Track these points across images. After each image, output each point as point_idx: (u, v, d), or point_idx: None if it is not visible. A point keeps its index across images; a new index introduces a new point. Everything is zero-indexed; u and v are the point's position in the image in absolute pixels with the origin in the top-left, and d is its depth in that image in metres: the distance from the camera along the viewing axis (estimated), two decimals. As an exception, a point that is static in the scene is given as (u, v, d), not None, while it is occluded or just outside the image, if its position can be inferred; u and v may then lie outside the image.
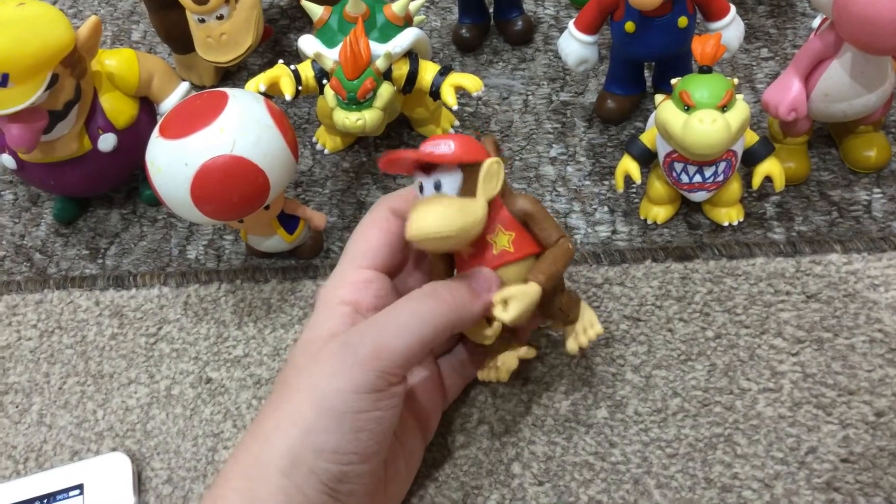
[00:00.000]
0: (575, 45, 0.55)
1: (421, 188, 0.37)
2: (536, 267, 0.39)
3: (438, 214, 0.35)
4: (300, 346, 0.39)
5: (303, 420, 0.36)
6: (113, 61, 0.54)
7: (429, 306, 0.37)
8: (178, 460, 0.48)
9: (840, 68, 0.48)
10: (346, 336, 0.37)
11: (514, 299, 0.38)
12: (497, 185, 0.38)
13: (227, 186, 0.44)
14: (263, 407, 0.39)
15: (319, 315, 0.40)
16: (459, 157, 0.36)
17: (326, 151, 0.61)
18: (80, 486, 0.46)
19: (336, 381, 0.36)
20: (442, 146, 0.36)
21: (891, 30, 0.41)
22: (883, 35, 0.42)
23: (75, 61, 0.51)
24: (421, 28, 0.55)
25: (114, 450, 0.49)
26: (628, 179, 0.52)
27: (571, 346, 0.42)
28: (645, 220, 0.54)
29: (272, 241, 0.53)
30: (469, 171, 0.37)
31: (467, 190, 0.37)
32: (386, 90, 0.51)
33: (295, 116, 0.63)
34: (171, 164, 0.44)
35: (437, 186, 0.37)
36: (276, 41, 0.69)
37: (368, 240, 0.41)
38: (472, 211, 0.36)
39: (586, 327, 0.42)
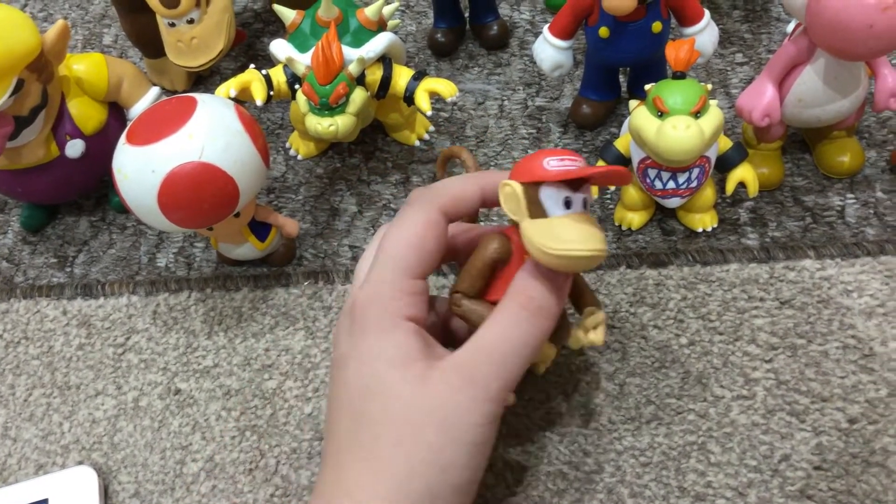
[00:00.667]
0: (550, 50, 0.55)
1: (567, 203, 0.35)
2: (590, 297, 0.40)
3: (599, 235, 0.34)
4: (372, 369, 0.34)
5: (438, 457, 0.33)
6: (81, 66, 0.53)
7: (537, 323, 0.35)
8: (145, 473, 0.47)
9: (813, 74, 0.48)
10: (466, 369, 0.34)
11: (601, 325, 0.39)
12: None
13: (196, 194, 0.44)
14: (339, 438, 0.35)
15: (385, 331, 0.35)
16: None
17: (300, 157, 0.60)
18: (45, 501, 0.45)
19: (472, 417, 0.33)
20: (579, 162, 0.35)
21: (863, 35, 0.41)
22: (855, 41, 0.42)
23: (42, 66, 0.50)
24: (395, 32, 0.55)
25: (80, 463, 0.48)
26: (602, 185, 0.52)
27: (580, 335, 0.40)
28: (619, 225, 0.54)
29: (243, 248, 0.52)
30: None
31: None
32: (359, 95, 0.50)
33: (268, 121, 0.62)
34: (138, 171, 0.44)
35: (585, 203, 0.35)
36: (249, 45, 0.68)
37: (424, 245, 0.36)
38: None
39: (597, 328, 0.40)
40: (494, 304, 0.37)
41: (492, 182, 0.38)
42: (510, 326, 0.35)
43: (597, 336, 0.40)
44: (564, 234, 0.33)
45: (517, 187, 0.35)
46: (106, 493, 0.47)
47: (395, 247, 0.36)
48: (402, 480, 0.33)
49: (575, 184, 0.35)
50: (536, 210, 0.35)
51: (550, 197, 0.34)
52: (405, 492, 0.33)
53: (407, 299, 0.36)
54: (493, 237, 0.37)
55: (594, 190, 0.51)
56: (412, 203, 0.38)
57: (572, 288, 0.39)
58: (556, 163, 0.34)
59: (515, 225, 0.35)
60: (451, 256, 0.40)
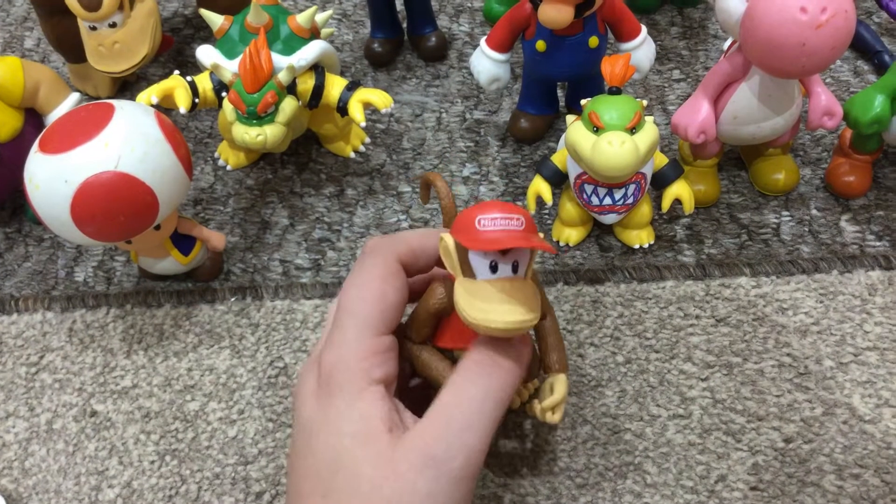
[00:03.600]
0: (486, 62, 0.54)
1: (494, 268, 0.33)
2: (556, 353, 0.38)
3: (525, 303, 0.32)
4: (339, 443, 0.32)
5: None
6: (-5, 70, 0.51)
7: (498, 383, 0.33)
8: (58, 500, 0.45)
9: (748, 91, 0.48)
10: (426, 444, 0.32)
11: (560, 405, 0.37)
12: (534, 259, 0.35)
13: (111, 205, 0.41)
14: None
15: (351, 399, 0.33)
16: (551, 248, 0.32)
17: (229, 167, 0.58)
18: (-55, 532, 0.42)
19: (437, 501, 0.32)
20: (514, 221, 0.33)
21: (795, 53, 0.41)
22: (788, 58, 0.42)
23: (-49, 68, 0.47)
24: (330, 41, 0.53)
25: (-13, 490, 0.45)
26: (540, 200, 0.51)
27: (536, 410, 0.38)
28: (557, 241, 0.53)
29: (165, 263, 0.50)
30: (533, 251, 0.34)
31: (528, 269, 0.34)
32: (289, 105, 0.48)
33: (196, 130, 0.60)
34: (50, 180, 0.41)
35: (515, 268, 0.33)
36: (178, 51, 0.66)
37: (385, 299, 0.34)
38: (539, 298, 0.34)
39: (549, 407, 0.38)
40: (445, 350, 0.36)
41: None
42: (466, 386, 0.33)
43: (555, 417, 0.38)
44: (482, 303, 0.32)
45: (450, 243, 0.33)
46: (12, 524, 0.44)
47: (355, 304, 0.34)
48: None
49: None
50: (467, 270, 0.33)
51: (477, 259, 0.33)
52: None
53: (373, 359, 0.34)
54: (438, 286, 0.35)
55: (531, 204, 0.51)
56: (368, 254, 0.36)
57: (539, 339, 0.38)
58: (488, 222, 0.33)
59: None
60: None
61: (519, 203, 0.55)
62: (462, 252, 0.33)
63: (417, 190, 0.56)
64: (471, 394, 0.33)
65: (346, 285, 0.36)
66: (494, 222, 0.33)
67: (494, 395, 0.33)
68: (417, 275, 0.38)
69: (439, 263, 0.37)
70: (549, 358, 0.39)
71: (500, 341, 0.34)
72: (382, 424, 0.32)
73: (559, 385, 0.38)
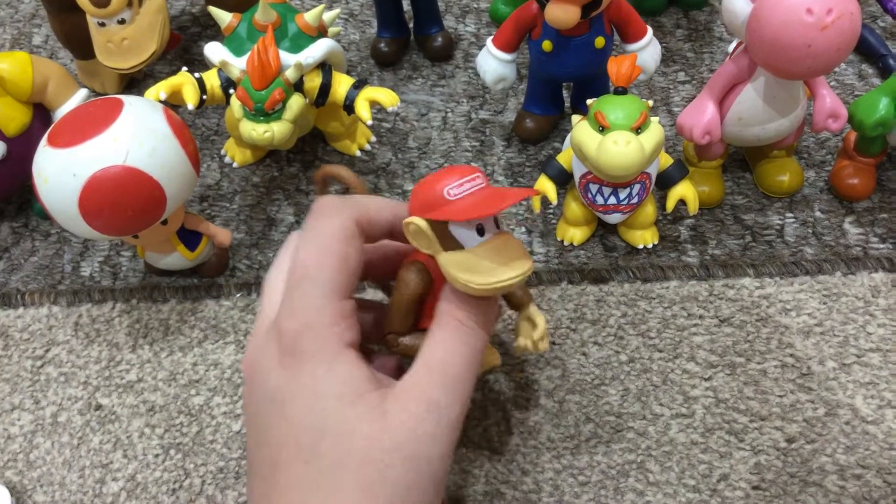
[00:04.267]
0: (493, 62, 0.54)
1: (480, 231, 0.33)
2: (521, 293, 0.39)
3: (521, 253, 0.33)
4: (321, 407, 0.31)
5: (407, 496, 0.31)
6: (4, 65, 0.51)
7: (480, 343, 0.34)
8: (62, 493, 0.45)
9: (753, 92, 0.48)
10: (424, 393, 0.32)
11: (546, 334, 0.39)
12: None
13: (119, 199, 0.42)
14: (290, 485, 0.31)
15: (328, 364, 0.31)
16: (518, 196, 0.32)
17: (235, 165, 0.58)
18: (-50, 523, 0.43)
19: (438, 447, 0.31)
20: (477, 181, 0.33)
21: (801, 54, 0.41)
22: (794, 59, 0.42)
23: (-40, 63, 0.47)
24: (337, 40, 0.53)
25: (-8, 482, 0.45)
26: (545, 200, 0.51)
27: (528, 346, 0.40)
28: (562, 241, 0.53)
29: (171, 258, 0.50)
30: None
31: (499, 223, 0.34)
32: (296, 102, 0.49)
33: (203, 127, 0.60)
34: (59, 174, 0.42)
35: (498, 224, 0.34)
36: (185, 49, 0.66)
37: (347, 261, 0.33)
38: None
39: (538, 339, 0.39)
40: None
41: (404, 215, 0.35)
42: (456, 344, 0.33)
43: (545, 345, 0.40)
44: (485, 267, 0.32)
45: (422, 224, 0.32)
46: (18, 515, 0.44)
47: (317, 266, 0.33)
48: None
49: None
50: (450, 243, 0.33)
51: (461, 229, 0.33)
52: None
53: (342, 323, 0.32)
54: (409, 270, 0.35)
55: (535, 204, 0.51)
56: (325, 213, 0.34)
57: None
58: (456, 190, 0.32)
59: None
60: (364, 275, 0.36)
61: (522, 204, 0.55)
62: (440, 228, 0.33)
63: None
64: (461, 350, 0.33)
65: (303, 245, 0.33)
66: (462, 188, 0.32)
67: (477, 354, 0.33)
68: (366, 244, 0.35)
69: (389, 236, 0.36)
70: (515, 296, 0.39)
71: (476, 301, 0.34)
72: (369, 383, 0.32)
73: (537, 317, 0.39)
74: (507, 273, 0.32)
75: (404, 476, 0.30)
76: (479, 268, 0.32)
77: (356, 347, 0.33)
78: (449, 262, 0.32)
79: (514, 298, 0.39)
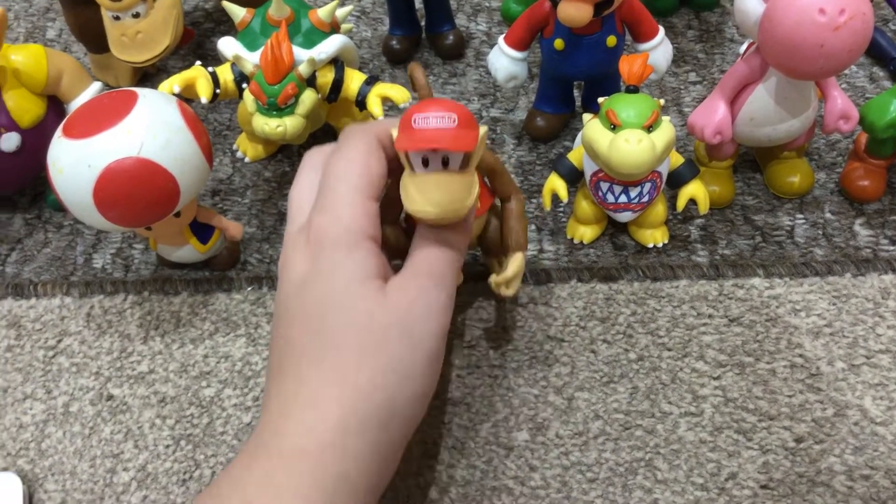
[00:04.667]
0: (504, 60, 0.54)
1: (425, 162, 0.36)
2: (514, 235, 0.44)
3: (452, 195, 0.36)
4: (332, 286, 0.35)
5: (401, 366, 0.35)
6: (19, 57, 0.51)
7: (456, 247, 0.38)
8: (73, 482, 0.45)
9: (765, 92, 0.48)
10: (419, 280, 0.36)
11: (514, 280, 0.43)
12: (482, 151, 0.38)
13: (133, 190, 0.42)
14: (299, 353, 0.35)
15: (348, 250, 0.35)
16: (474, 142, 0.35)
17: (247, 160, 0.58)
18: (-38, 510, 0.43)
19: (430, 325, 0.36)
20: (446, 120, 0.35)
21: (813, 54, 0.42)
22: (806, 59, 0.42)
23: (-24, 55, 0.48)
24: (349, 37, 0.54)
25: (4, 469, 0.46)
26: (555, 198, 0.51)
27: (492, 284, 0.43)
28: (571, 239, 0.53)
29: (184, 251, 0.50)
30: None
31: (465, 162, 0.36)
32: (308, 97, 0.49)
33: (215, 122, 0.61)
34: (74, 165, 0.42)
35: (445, 162, 0.36)
36: (198, 44, 0.67)
37: (372, 170, 0.37)
38: (474, 186, 0.37)
39: (500, 282, 0.43)
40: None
41: None
42: (440, 246, 0.38)
43: (508, 292, 0.43)
44: (414, 194, 0.36)
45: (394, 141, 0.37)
46: (31, 502, 0.44)
47: (346, 172, 0.37)
48: (366, 391, 0.34)
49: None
50: (409, 165, 0.36)
51: (413, 155, 0.36)
52: (368, 402, 0.34)
53: (365, 220, 0.36)
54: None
55: (546, 201, 0.51)
56: (350, 135, 0.39)
57: (501, 222, 0.44)
58: (421, 121, 0.35)
59: None
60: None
61: (533, 202, 0.55)
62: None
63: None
64: (444, 252, 0.38)
65: (333, 159, 0.38)
66: (427, 121, 0.35)
67: (457, 256, 0.38)
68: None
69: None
70: (507, 240, 0.44)
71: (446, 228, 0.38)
72: (378, 270, 0.36)
73: (511, 262, 0.43)
74: (423, 205, 0.35)
75: (399, 347, 0.35)
76: (411, 192, 0.36)
77: (377, 242, 0.37)
78: (403, 179, 0.37)
79: (505, 241, 0.44)
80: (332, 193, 0.37)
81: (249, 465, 0.33)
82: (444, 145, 0.35)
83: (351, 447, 0.33)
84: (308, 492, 0.32)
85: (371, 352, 0.34)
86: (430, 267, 0.37)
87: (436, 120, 0.35)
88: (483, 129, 0.37)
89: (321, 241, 0.36)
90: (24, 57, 0.51)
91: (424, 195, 0.36)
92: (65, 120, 0.44)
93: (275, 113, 0.48)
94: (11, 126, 0.51)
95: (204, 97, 0.49)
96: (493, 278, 0.43)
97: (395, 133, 0.37)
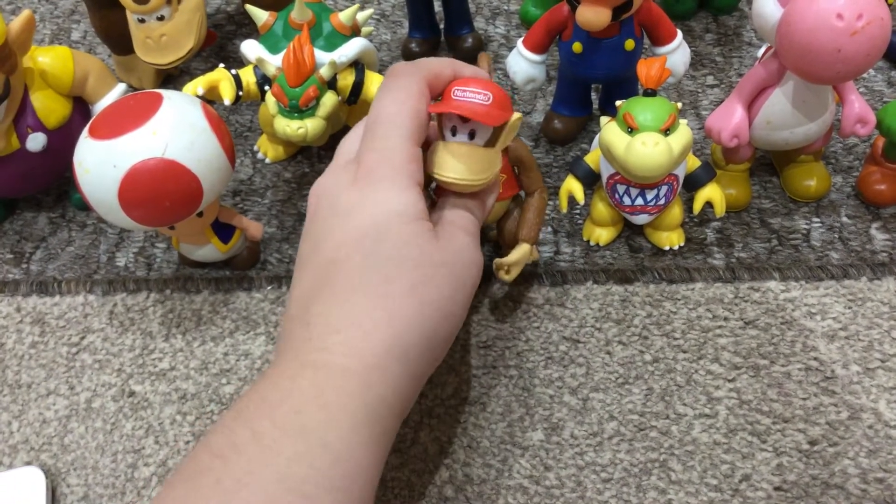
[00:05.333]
0: (523, 63, 0.55)
1: (454, 131, 0.39)
2: (527, 225, 0.47)
3: (470, 165, 0.38)
4: (386, 218, 0.36)
5: (446, 305, 0.37)
6: (46, 58, 0.52)
7: (477, 224, 0.41)
8: (95, 476, 0.46)
9: (782, 96, 0.48)
10: (464, 229, 0.39)
11: (515, 266, 0.46)
12: (512, 137, 0.40)
13: (158, 190, 0.43)
14: (348, 274, 0.35)
15: (398, 189, 0.37)
16: (504, 118, 0.38)
17: (268, 161, 0.59)
18: (-12, 502, 0.44)
19: (473, 273, 0.38)
20: (480, 96, 0.38)
21: (831, 59, 0.42)
22: (823, 64, 0.42)
23: (5, 56, 0.48)
24: (369, 40, 0.54)
25: (28, 464, 0.46)
26: (572, 200, 0.51)
27: (497, 262, 0.46)
28: (588, 241, 0.53)
29: (205, 250, 0.51)
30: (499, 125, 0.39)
31: (492, 140, 0.39)
32: (329, 99, 0.50)
33: (236, 123, 0.62)
34: (100, 165, 0.43)
35: (472, 136, 0.39)
36: (220, 47, 0.67)
37: (419, 114, 0.38)
38: (496, 163, 0.40)
39: (511, 270, 0.46)
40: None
41: (462, 74, 0.40)
42: (468, 211, 0.40)
43: (506, 277, 0.46)
44: (441, 160, 0.39)
45: (431, 112, 0.39)
46: (54, 496, 0.45)
47: (395, 114, 0.38)
48: (412, 321, 0.35)
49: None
50: (442, 133, 0.39)
51: (445, 123, 0.39)
52: (412, 332, 0.35)
53: (412, 165, 0.37)
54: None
55: (563, 203, 0.51)
56: (398, 75, 0.39)
57: (520, 213, 0.47)
58: (459, 93, 0.38)
59: None
60: None
61: (549, 203, 0.56)
62: (439, 118, 0.39)
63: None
64: (472, 219, 0.40)
65: (381, 101, 0.38)
66: (465, 94, 0.38)
67: (481, 219, 0.41)
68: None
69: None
70: (520, 230, 0.47)
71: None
72: (425, 213, 0.37)
73: (516, 250, 0.46)
74: (444, 171, 0.38)
75: (446, 287, 0.36)
76: (435, 157, 0.39)
77: (422, 188, 0.38)
78: (434, 144, 0.40)
79: (518, 231, 0.47)
80: (382, 134, 0.38)
81: (295, 377, 0.34)
82: (469, 115, 0.37)
83: (392, 372, 0.34)
84: (354, 409, 0.33)
85: (421, 285, 0.35)
86: (466, 224, 0.39)
87: (472, 94, 0.38)
88: (516, 115, 0.39)
89: (371, 176, 0.37)
90: (51, 58, 0.52)
91: (445, 161, 0.38)
92: (91, 120, 0.45)
93: (296, 115, 0.49)
94: (38, 126, 0.52)
95: (227, 99, 0.49)
96: (496, 261, 0.46)
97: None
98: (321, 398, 0.33)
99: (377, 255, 0.36)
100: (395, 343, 0.34)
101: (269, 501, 0.30)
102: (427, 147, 0.40)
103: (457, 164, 0.38)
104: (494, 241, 0.53)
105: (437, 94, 0.40)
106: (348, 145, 0.41)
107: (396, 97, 0.38)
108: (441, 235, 0.38)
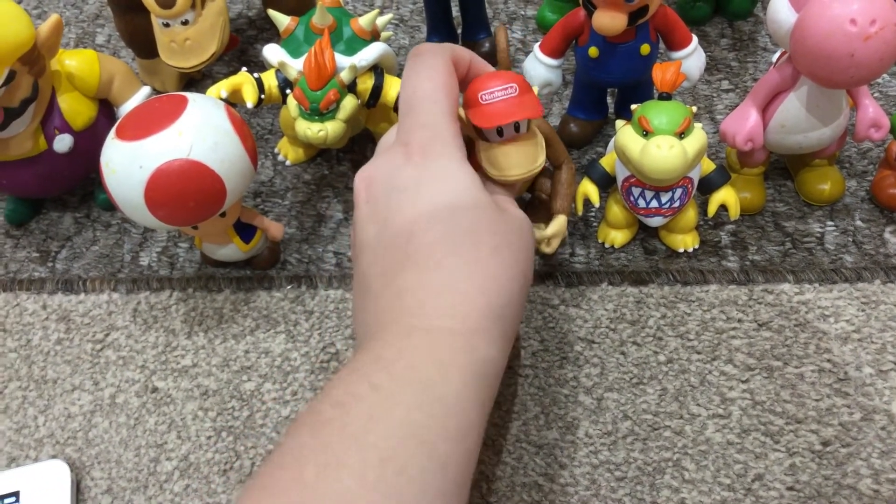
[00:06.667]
0: (540, 67, 0.55)
1: (500, 132, 0.40)
2: (560, 198, 0.48)
3: (528, 156, 0.41)
4: (456, 188, 0.37)
5: (524, 268, 0.38)
6: (73, 61, 0.54)
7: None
8: (119, 470, 0.47)
9: (797, 101, 0.49)
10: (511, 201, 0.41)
11: (555, 238, 0.48)
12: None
13: (183, 191, 0.44)
14: (433, 243, 0.36)
15: (457, 162, 0.38)
16: (540, 106, 0.40)
17: (288, 163, 0.60)
18: (16, 494, 0.45)
19: (532, 243, 0.40)
20: (510, 90, 0.39)
21: (844, 64, 0.42)
22: (837, 68, 0.43)
23: (34, 59, 0.50)
24: (388, 44, 0.55)
25: (53, 457, 0.48)
26: (587, 202, 0.52)
27: (539, 237, 0.48)
28: (602, 243, 0.54)
29: (227, 249, 0.52)
30: None
31: (529, 123, 0.41)
32: (349, 103, 0.51)
33: (258, 126, 0.63)
34: (126, 165, 0.44)
35: (517, 128, 0.41)
36: (242, 51, 0.69)
37: (452, 90, 0.39)
38: (541, 144, 0.42)
39: (552, 242, 0.48)
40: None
41: (476, 66, 0.42)
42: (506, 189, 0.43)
43: (547, 249, 0.48)
44: (499, 161, 0.41)
45: (463, 116, 0.41)
46: (78, 489, 0.46)
47: (432, 91, 0.39)
48: (503, 284, 0.36)
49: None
50: (481, 135, 0.41)
51: (495, 128, 0.40)
52: (504, 294, 0.36)
53: (459, 140, 0.39)
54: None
55: (579, 205, 0.52)
56: (423, 54, 0.40)
57: (552, 186, 0.49)
58: (488, 96, 0.39)
59: None
60: None
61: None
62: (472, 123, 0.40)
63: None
64: (510, 191, 0.42)
65: (413, 80, 0.40)
66: (493, 95, 0.39)
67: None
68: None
69: (466, 75, 0.42)
70: (554, 203, 0.49)
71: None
72: (483, 186, 0.38)
73: (554, 222, 0.48)
74: (511, 170, 0.41)
75: (518, 249, 0.38)
76: (494, 162, 0.41)
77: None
78: (479, 150, 0.41)
79: (552, 204, 0.49)
80: (424, 111, 0.39)
81: (407, 338, 0.35)
82: (523, 115, 0.39)
83: (492, 333, 0.36)
84: (464, 367, 0.34)
85: (503, 248, 0.37)
86: (508, 198, 0.41)
87: (501, 92, 0.39)
88: (536, 89, 0.40)
89: (427, 153, 0.38)
90: (78, 62, 0.54)
91: (508, 159, 0.40)
92: (118, 122, 0.46)
93: (317, 118, 0.50)
94: (65, 128, 0.53)
95: (250, 102, 0.50)
96: (536, 235, 0.47)
97: (462, 112, 0.41)
98: (435, 356, 0.34)
99: (457, 225, 0.36)
100: (492, 304, 0.36)
101: (393, 445, 0.31)
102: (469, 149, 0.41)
103: (519, 158, 0.41)
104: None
105: (460, 77, 0.41)
106: (388, 137, 0.42)
107: (429, 75, 0.39)
108: (502, 206, 0.39)
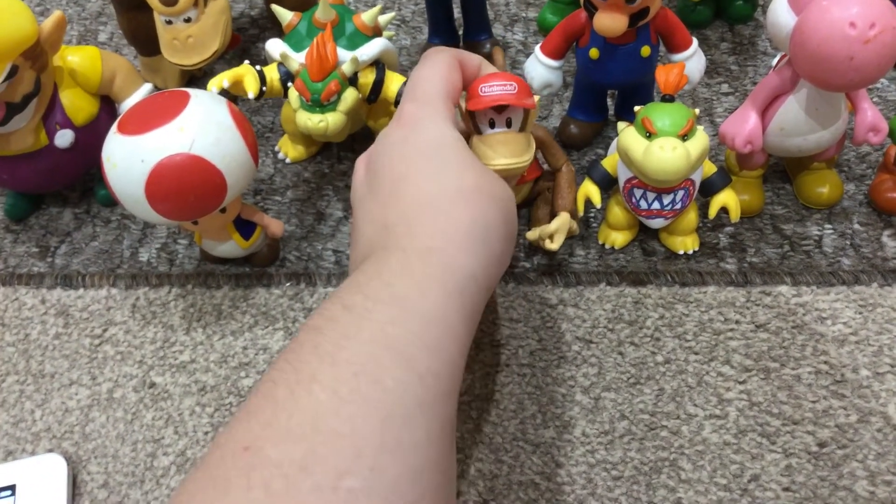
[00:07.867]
0: (540, 68, 0.56)
1: (492, 124, 0.42)
2: (562, 197, 0.51)
3: (515, 150, 0.42)
4: (442, 132, 0.39)
5: (502, 207, 0.39)
6: (76, 57, 0.54)
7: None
8: (115, 465, 0.47)
9: (796, 104, 0.49)
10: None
11: (558, 233, 0.49)
12: (534, 120, 0.44)
13: (183, 185, 0.44)
14: (420, 178, 0.38)
15: (448, 126, 0.40)
16: (534, 101, 0.42)
17: (289, 161, 0.60)
18: (12, 487, 0.45)
19: (510, 202, 0.40)
20: (508, 87, 0.41)
21: (843, 67, 0.42)
22: (836, 72, 0.43)
23: (37, 54, 0.50)
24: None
25: (50, 451, 0.48)
26: (588, 203, 0.52)
27: (535, 235, 0.50)
28: (602, 244, 0.54)
29: (227, 246, 0.52)
30: (528, 109, 0.42)
31: (523, 125, 0.43)
32: (350, 95, 0.51)
33: (258, 125, 0.63)
34: (127, 159, 0.44)
35: (508, 124, 0.42)
36: (244, 50, 0.69)
37: (452, 80, 0.42)
38: (532, 144, 0.43)
39: (555, 237, 0.49)
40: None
41: (486, 70, 0.44)
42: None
43: (552, 245, 0.49)
44: (487, 152, 0.42)
45: (462, 108, 0.43)
46: (74, 483, 0.46)
47: (430, 76, 0.41)
48: (488, 206, 0.38)
49: (501, 107, 0.42)
50: (475, 128, 0.43)
51: (480, 119, 0.42)
52: (489, 214, 0.38)
53: (451, 114, 0.41)
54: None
55: (580, 206, 0.52)
56: (434, 53, 0.43)
57: (553, 186, 0.52)
58: (487, 88, 0.41)
59: None
60: None
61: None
62: (470, 115, 0.42)
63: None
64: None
65: (418, 71, 0.42)
66: (492, 88, 0.41)
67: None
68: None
69: (472, 79, 0.44)
70: (556, 202, 0.51)
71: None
72: (473, 181, 0.39)
73: (556, 220, 0.49)
74: (497, 160, 0.42)
75: (502, 189, 0.39)
76: (483, 152, 0.42)
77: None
78: (473, 140, 0.43)
79: (554, 202, 0.51)
80: (420, 89, 0.41)
81: (383, 260, 0.36)
82: (509, 101, 0.41)
83: (476, 250, 0.37)
84: (443, 280, 0.35)
85: (487, 184, 0.38)
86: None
87: (500, 87, 0.41)
88: (537, 98, 0.42)
89: (415, 116, 0.40)
90: (80, 58, 0.54)
91: (495, 150, 0.42)
92: (120, 117, 0.46)
93: (318, 109, 0.50)
94: (66, 123, 0.53)
95: (251, 92, 0.51)
96: (538, 232, 0.49)
97: (463, 104, 0.42)
98: (410, 271, 0.35)
99: (443, 160, 0.39)
100: (476, 221, 0.37)
101: (367, 360, 0.31)
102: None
103: (504, 151, 0.42)
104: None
105: (466, 81, 0.43)
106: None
107: (432, 66, 0.42)
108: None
